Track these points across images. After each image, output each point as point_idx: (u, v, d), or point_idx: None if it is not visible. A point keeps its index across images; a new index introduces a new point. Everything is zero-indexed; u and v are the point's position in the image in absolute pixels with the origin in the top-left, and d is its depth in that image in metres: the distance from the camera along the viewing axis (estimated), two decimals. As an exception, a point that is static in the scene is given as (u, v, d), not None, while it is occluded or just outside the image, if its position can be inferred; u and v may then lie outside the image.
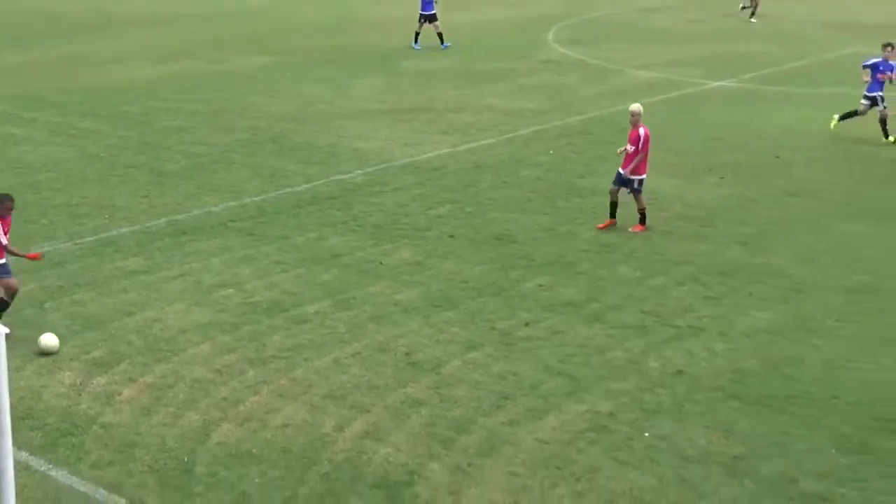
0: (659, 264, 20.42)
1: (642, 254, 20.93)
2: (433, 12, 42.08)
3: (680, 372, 16.22)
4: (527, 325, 17.82)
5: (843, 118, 29.13)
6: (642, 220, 22.20)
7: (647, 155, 21.94)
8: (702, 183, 25.37)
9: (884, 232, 22.12)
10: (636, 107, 21.96)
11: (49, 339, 16.50)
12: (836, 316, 18.20)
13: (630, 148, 21.84)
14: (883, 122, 28.48)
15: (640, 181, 22.03)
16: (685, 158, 27.24)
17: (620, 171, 22.07)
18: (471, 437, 14.41)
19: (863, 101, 28.85)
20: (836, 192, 24.69)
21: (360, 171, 26.21)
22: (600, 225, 22.18)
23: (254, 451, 14.02)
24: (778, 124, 30.79)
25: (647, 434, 14.50)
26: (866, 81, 28.66)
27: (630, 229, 22.05)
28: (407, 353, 16.75)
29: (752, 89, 35.63)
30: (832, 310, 18.45)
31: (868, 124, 30.12)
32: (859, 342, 17.24)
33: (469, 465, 13.76)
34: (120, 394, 15.42)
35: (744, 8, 49.52)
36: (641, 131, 21.78)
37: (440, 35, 42.20)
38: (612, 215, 22.26)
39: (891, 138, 28.32)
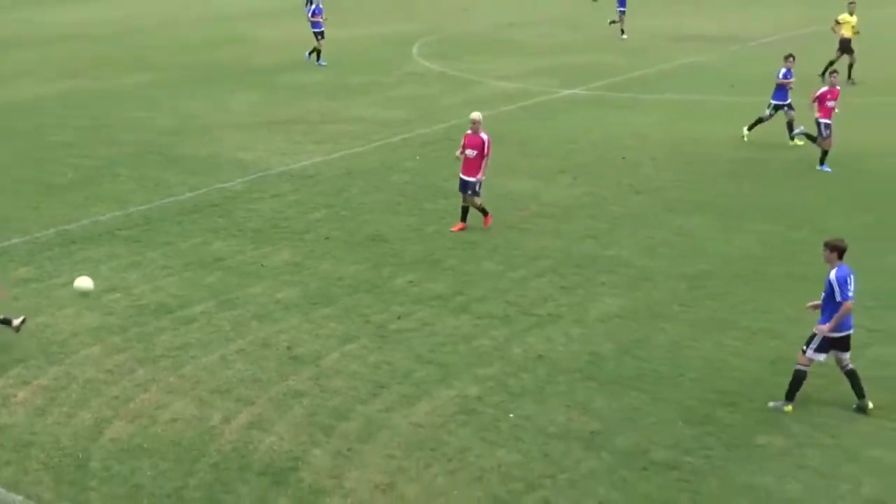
0: (519, 258, 20.62)
1: (504, 249, 21.10)
2: (322, 30, 42.02)
3: (541, 356, 16.42)
4: (399, 318, 17.86)
5: (791, 137, 28.66)
6: (485, 213, 22.28)
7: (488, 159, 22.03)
8: (556, 183, 25.65)
9: (719, 224, 22.61)
10: (476, 115, 22.02)
11: (83, 282, 16.25)
12: (679, 301, 18.59)
13: (469, 152, 21.83)
14: (760, 120, 28.84)
15: (481, 183, 22.05)
16: (541, 161, 27.53)
17: (462, 177, 22.07)
18: (350, 423, 14.41)
19: (788, 112, 28.68)
20: (676, 189, 25.15)
21: (239, 180, 25.96)
22: (453, 228, 22.20)
23: (145, 445, 13.82)
24: (625, 128, 31.24)
25: (512, 415, 14.65)
26: (788, 86, 28.46)
27: (483, 227, 22.15)
28: (288, 348, 16.67)
29: (601, 96, 36.14)
30: (676, 296, 18.83)
31: (706, 125, 30.85)
32: (700, 324, 17.63)
33: (349, 449, 13.76)
34: (15, 396, 15.07)
35: (612, 22, 49.63)
36: (485, 136, 21.82)
37: (318, 52, 42.06)
38: (463, 219, 22.29)
39: (745, 134, 28.77)
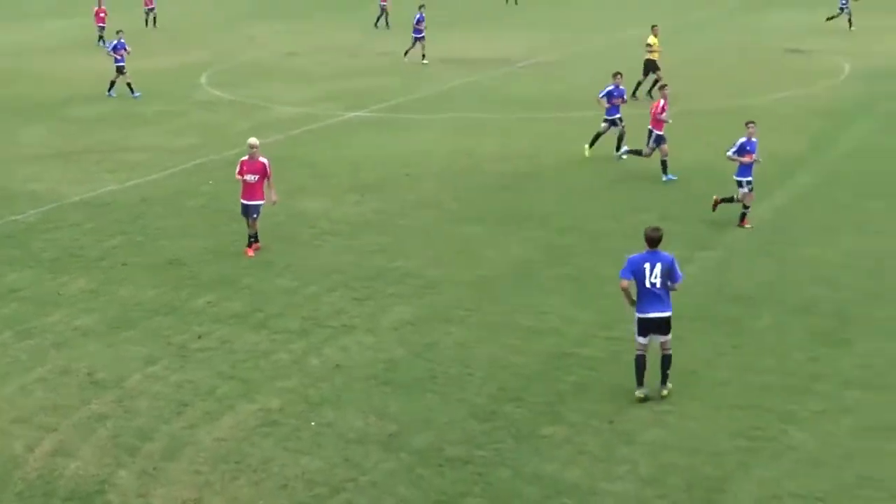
0: (312, 275, 20.46)
1: (297, 267, 20.91)
2: (122, 64, 40.67)
3: (338, 366, 16.33)
4: (199, 337, 17.49)
5: (591, 144, 29.20)
6: (256, 239, 21.83)
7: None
8: (344, 201, 25.57)
9: (496, 232, 22.99)
10: (253, 140, 21.53)
11: None
12: (464, 306, 18.81)
13: (250, 178, 21.29)
14: (620, 137, 29.00)
15: (260, 207, 21.68)
16: (328, 181, 27.40)
17: (244, 202, 21.57)
18: (155, 443, 14.01)
19: (603, 124, 29.15)
20: (456, 202, 25.42)
21: (33, 211, 24.88)
22: (248, 251, 21.73)
23: (-54, 479, 13.07)
24: (407, 147, 31.40)
25: (313, 423, 14.54)
26: (606, 107, 28.88)
27: (249, 253, 21.65)
28: (89, 374, 16.08)
29: (383, 118, 36.24)
30: (460, 301, 19.05)
31: (481, 142, 31.34)
32: (484, 326, 17.89)
33: (155, 468, 13.38)
34: None
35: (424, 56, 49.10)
36: (264, 160, 21.40)
37: (129, 84, 40.70)
38: (256, 240, 21.84)
39: (617, 154, 28.85)
